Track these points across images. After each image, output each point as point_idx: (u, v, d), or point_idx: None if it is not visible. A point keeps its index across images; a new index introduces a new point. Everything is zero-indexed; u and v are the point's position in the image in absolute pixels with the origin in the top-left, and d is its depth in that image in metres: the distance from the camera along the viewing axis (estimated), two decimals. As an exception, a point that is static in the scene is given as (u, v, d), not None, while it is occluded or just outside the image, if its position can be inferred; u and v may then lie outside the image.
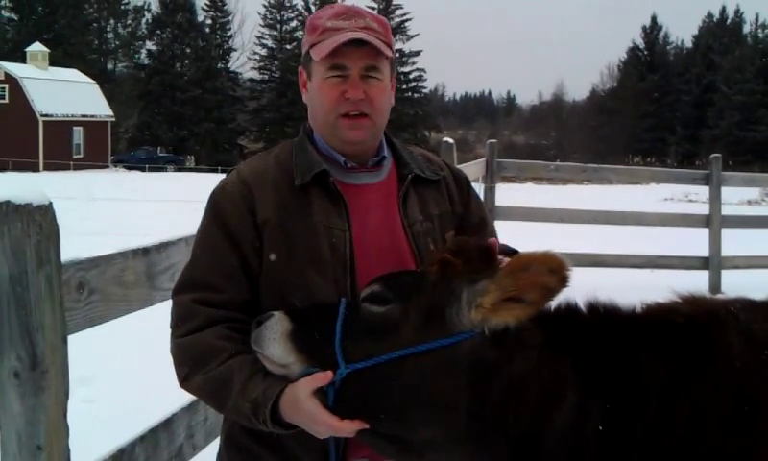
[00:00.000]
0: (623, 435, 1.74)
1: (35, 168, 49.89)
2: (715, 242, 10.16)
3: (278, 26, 75.71)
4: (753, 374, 1.74)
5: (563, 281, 1.73)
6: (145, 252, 2.76)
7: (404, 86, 69.30)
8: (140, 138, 67.39)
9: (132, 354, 6.34)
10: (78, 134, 56.46)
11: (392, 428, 1.84)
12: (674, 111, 77.91)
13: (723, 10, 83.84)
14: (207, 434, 3.25)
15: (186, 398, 3.00)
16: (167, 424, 2.97)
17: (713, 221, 10.26)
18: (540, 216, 10.68)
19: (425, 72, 74.14)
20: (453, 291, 1.82)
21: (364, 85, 2.08)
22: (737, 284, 7.66)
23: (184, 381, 2.03)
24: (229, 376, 1.93)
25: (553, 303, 1.83)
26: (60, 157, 52.12)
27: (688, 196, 27.30)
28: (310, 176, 2.08)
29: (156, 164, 57.95)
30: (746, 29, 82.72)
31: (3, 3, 70.27)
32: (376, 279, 1.93)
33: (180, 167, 59.63)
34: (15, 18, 70.60)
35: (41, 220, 2.08)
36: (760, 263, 10.16)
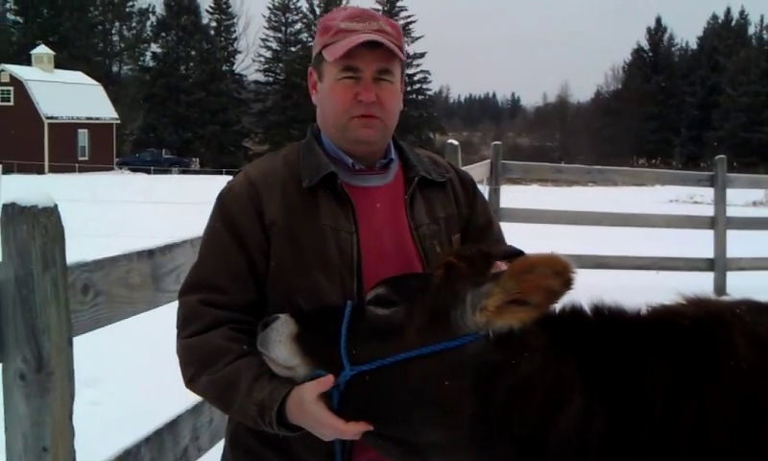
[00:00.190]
0: (629, 438, 1.73)
1: (40, 170, 49.96)
2: (720, 244, 10.13)
3: (283, 28, 75.79)
4: (759, 375, 1.74)
5: (567, 284, 1.72)
6: (150, 254, 2.77)
7: (409, 88, 69.26)
8: (145, 140, 67.50)
9: (137, 356, 6.34)
10: (83, 137, 56.61)
11: (396, 431, 1.84)
12: (679, 113, 77.80)
13: (728, 11, 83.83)
14: (212, 436, 3.25)
15: (191, 399, 3.00)
16: (172, 426, 2.97)
17: (718, 222, 10.23)
18: (544, 218, 10.65)
19: (430, 74, 74.48)
20: (458, 294, 1.82)
21: (376, 88, 2.09)
22: (743, 286, 7.63)
23: (190, 382, 2.03)
24: (236, 377, 1.93)
25: (557, 306, 1.82)
26: (66, 160, 52.24)
27: (693, 198, 27.25)
28: (318, 178, 2.08)
29: (160, 166, 58.04)
30: (751, 30, 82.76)
31: (8, 5, 70.58)
32: (382, 282, 1.93)
33: (185, 169, 59.66)
34: (21, 21, 70.85)
35: (47, 222, 2.09)
36: (766, 265, 10.12)
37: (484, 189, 9.19)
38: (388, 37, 2.08)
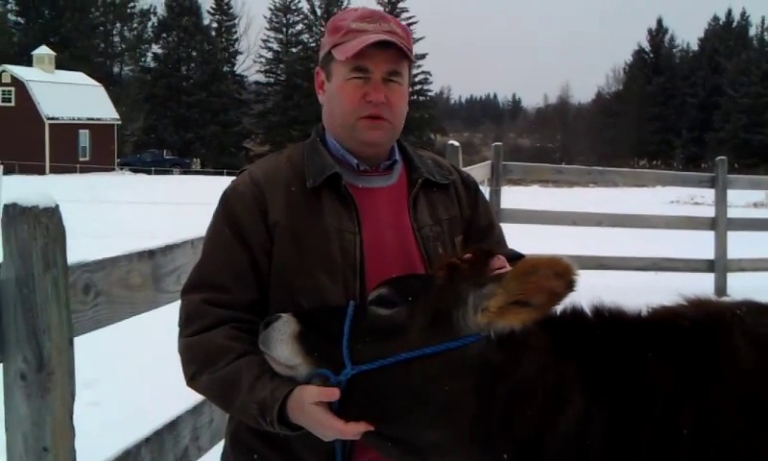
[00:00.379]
0: (629, 439, 1.73)
1: (41, 171, 50.00)
2: (721, 245, 10.13)
3: (284, 29, 75.82)
4: (759, 377, 1.74)
5: (569, 286, 1.72)
6: (151, 254, 2.77)
7: (410, 89, 69.18)
8: (146, 141, 67.60)
9: (137, 357, 6.34)
10: (84, 137, 56.60)
11: (397, 431, 1.84)
12: (680, 114, 77.81)
13: (729, 12, 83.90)
14: (213, 436, 3.25)
15: (192, 400, 3.01)
16: (172, 426, 2.97)
17: (719, 224, 10.22)
18: (545, 219, 10.65)
19: (431, 75, 74.36)
20: (460, 294, 1.82)
21: (385, 89, 2.09)
22: (743, 287, 7.64)
23: (192, 380, 2.03)
24: (237, 376, 1.93)
25: (559, 307, 1.82)
26: (67, 160, 52.26)
27: (694, 199, 27.23)
28: (322, 178, 2.08)
29: (161, 167, 58.14)
30: (752, 32, 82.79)
31: (9, 6, 70.60)
32: (384, 282, 1.93)
33: (186, 170, 59.76)
34: (22, 22, 70.92)
35: (48, 222, 2.09)
36: (766, 266, 10.12)
37: (485, 190, 9.18)
38: (398, 39, 2.08)
